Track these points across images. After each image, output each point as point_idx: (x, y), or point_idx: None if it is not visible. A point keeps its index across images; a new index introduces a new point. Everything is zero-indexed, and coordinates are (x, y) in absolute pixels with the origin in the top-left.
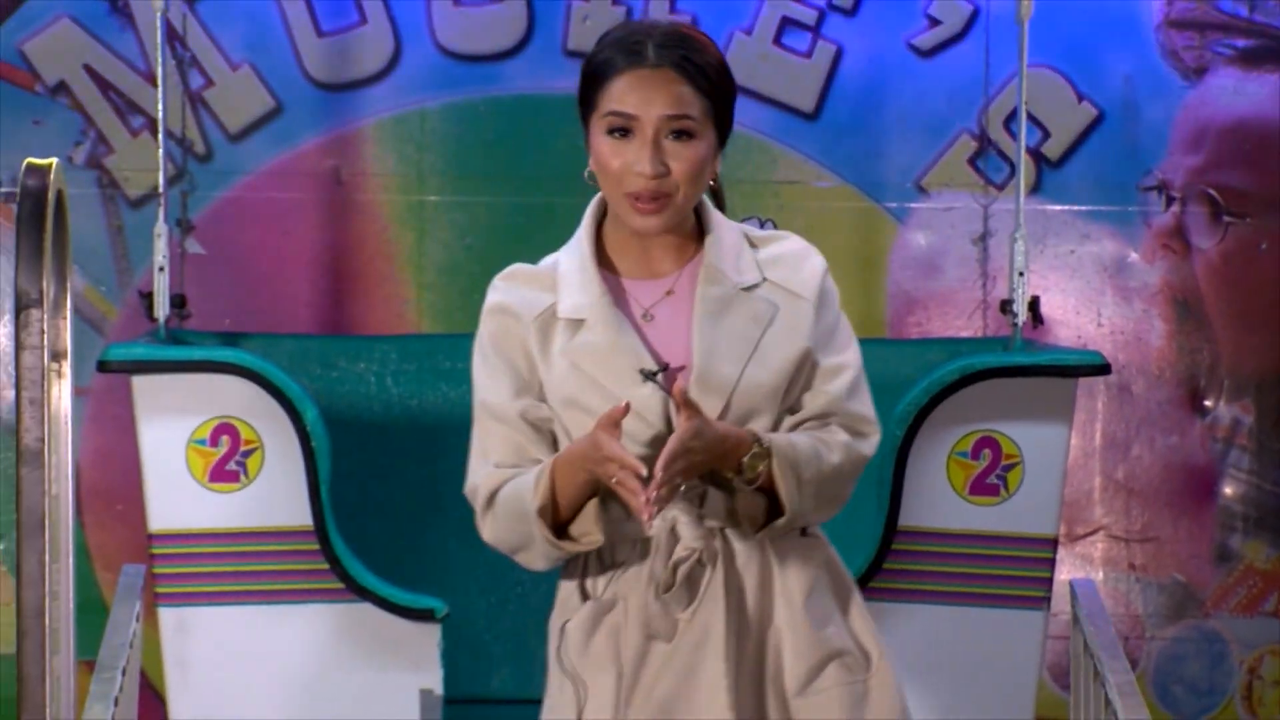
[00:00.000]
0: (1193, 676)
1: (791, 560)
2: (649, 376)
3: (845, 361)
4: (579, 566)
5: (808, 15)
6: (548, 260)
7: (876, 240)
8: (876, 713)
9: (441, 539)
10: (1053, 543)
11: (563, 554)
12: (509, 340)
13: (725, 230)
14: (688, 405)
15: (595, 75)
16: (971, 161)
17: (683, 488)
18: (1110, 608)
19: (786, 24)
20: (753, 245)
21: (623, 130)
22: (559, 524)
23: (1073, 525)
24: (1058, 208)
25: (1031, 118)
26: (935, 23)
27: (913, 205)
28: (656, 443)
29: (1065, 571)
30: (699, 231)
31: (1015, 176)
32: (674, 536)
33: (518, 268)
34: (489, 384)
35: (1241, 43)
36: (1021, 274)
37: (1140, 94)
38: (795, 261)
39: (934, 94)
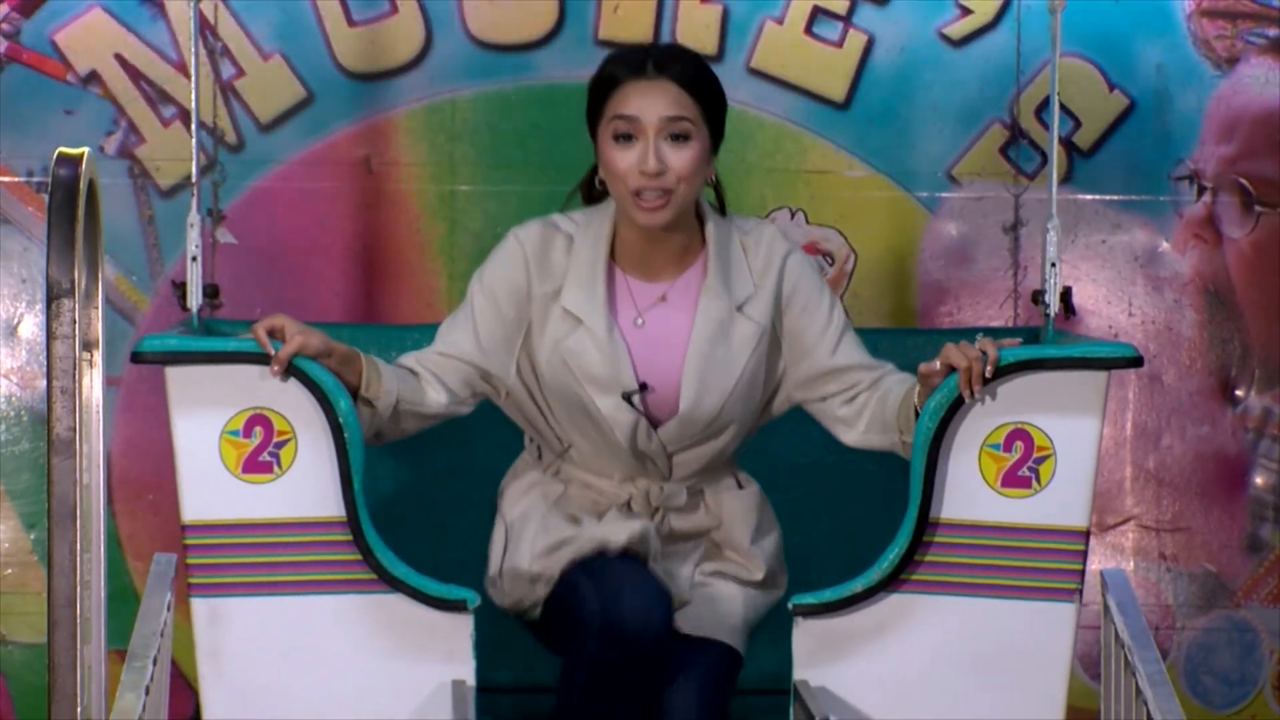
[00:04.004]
0: (1223, 667)
1: (735, 513)
2: (628, 398)
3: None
4: (537, 451)
5: (839, 4)
6: (566, 227)
7: (907, 230)
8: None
9: (474, 529)
10: (1085, 535)
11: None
12: (511, 298)
13: (727, 243)
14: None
15: (601, 87)
16: (1003, 151)
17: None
18: (1141, 598)
19: (818, 13)
20: (743, 249)
21: (627, 135)
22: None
23: (1103, 515)
24: (1089, 197)
25: (1063, 107)
26: (966, 11)
27: (944, 195)
28: (621, 453)
29: (1096, 561)
30: (701, 239)
31: (1048, 166)
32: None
33: (540, 230)
34: (480, 304)
35: (1273, 32)
36: (1054, 264)
37: (1172, 83)
38: (781, 267)
39: (965, 83)
